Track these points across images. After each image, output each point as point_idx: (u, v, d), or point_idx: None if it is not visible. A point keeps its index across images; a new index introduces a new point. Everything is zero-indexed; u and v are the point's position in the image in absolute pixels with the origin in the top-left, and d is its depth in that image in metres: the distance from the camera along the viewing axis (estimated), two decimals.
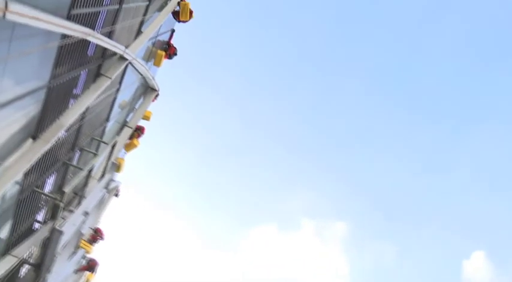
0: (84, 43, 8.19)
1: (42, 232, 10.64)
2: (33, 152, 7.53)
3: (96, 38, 8.17)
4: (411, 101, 79.01)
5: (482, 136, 74.45)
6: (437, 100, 78.23)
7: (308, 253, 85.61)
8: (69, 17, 6.75)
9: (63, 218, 11.05)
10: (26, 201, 9.10)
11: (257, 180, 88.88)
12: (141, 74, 15.98)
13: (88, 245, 18.24)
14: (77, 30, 6.95)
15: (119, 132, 17.26)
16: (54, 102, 7.95)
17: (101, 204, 18.06)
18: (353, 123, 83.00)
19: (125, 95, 15.07)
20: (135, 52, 11.93)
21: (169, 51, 17.46)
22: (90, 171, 12.77)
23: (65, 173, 11.58)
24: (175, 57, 18.07)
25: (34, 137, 7.70)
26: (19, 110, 6.65)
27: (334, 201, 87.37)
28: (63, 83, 7.98)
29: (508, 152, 76.21)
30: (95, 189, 14.16)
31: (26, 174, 8.25)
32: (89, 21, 7.86)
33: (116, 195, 22.77)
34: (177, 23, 16.74)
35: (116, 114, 15.12)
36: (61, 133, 8.45)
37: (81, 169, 11.86)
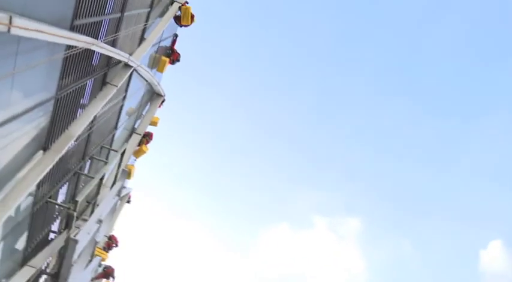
0: (89, 53, 8.26)
1: (57, 242, 10.75)
2: (44, 163, 7.62)
3: (100, 47, 8.24)
4: (417, 96, 78.39)
5: (493, 124, 73.69)
6: (444, 93, 77.52)
7: (322, 251, 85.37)
8: (72, 28, 6.81)
9: (77, 227, 11.14)
10: (40, 212, 9.20)
11: (266, 180, 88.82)
12: (147, 81, 16.07)
13: (103, 252, 18.39)
14: (81, 41, 7.02)
15: (127, 139, 17.39)
16: (63, 113, 8.04)
17: (114, 211, 18.18)
18: (359, 120, 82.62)
19: (131, 102, 15.18)
20: (139, 59, 12.00)
21: (173, 57, 17.54)
22: (101, 179, 12.87)
23: (76, 182, 11.69)
24: (178, 63, 18.15)
25: (45, 149, 7.79)
26: (29, 123, 6.73)
27: (345, 197, 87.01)
28: (70, 94, 8.06)
29: None
30: (107, 197, 14.26)
31: (39, 186, 8.35)
32: (92, 31, 7.93)
33: (128, 201, 22.94)
34: (179, 27, 16.81)
35: (124, 121, 15.23)
36: (71, 143, 8.53)
37: (92, 178, 11.96)
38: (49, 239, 10.90)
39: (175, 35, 17.66)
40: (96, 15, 7.81)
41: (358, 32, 76.84)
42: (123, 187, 18.15)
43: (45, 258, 10.08)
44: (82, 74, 8.42)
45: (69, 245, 10.19)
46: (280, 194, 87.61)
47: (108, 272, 18.58)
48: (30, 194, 8.09)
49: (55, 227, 11.14)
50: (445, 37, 71.64)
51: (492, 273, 68.79)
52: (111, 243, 20.31)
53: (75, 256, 10.59)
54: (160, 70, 17.21)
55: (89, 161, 12.27)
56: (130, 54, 11.16)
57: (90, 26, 7.72)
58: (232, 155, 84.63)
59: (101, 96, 9.91)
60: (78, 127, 8.71)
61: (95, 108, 9.51)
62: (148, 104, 19.07)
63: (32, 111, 6.61)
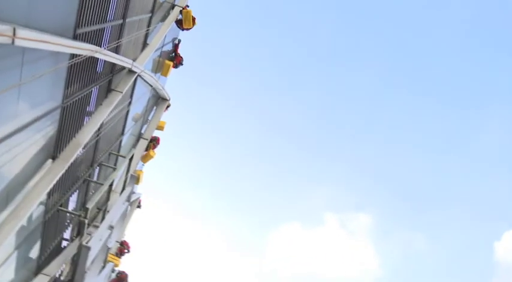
0: (93, 60, 8.32)
1: (70, 249, 10.84)
2: (54, 172, 7.68)
3: (104, 54, 8.30)
4: (424, 87, 77.84)
5: (505, 114, 72.91)
6: (453, 82, 76.86)
7: (334, 248, 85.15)
8: (75, 37, 6.87)
9: (89, 234, 11.23)
10: (52, 220, 9.29)
11: (275, 179, 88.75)
12: (151, 85, 16.15)
13: (116, 258, 18.52)
14: (84, 49, 7.08)
15: (135, 144, 17.49)
16: (69, 121, 8.10)
17: (125, 217, 18.28)
18: (366, 114, 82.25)
19: (137, 107, 15.26)
20: (143, 64, 12.06)
21: (176, 60, 17.62)
22: (110, 185, 12.95)
23: (86, 189, 11.78)
24: (181, 66, 18.23)
25: (53, 157, 7.86)
26: (37, 132, 6.80)
27: (355, 193, 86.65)
28: (76, 102, 8.12)
29: None
30: (117, 203, 14.34)
31: (49, 195, 8.43)
32: (95, 39, 7.98)
33: (139, 206, 23.07)
34: (181, 31, 16.87)
35: (131, 127, 15.31)
36: (79, 151, 8.60)
37: (101, 184, 12.04)
38: (62, 246, 10.99)
39: (179, 40, 17.73)
40: (98, 23, 7.86)
41: (363, 23, 76.46)
42: (132, 192, 18.23)
43: (58, 266, 10.17)
44: (87, 82, 8.48)
45: (81, 252, 10.26)
46: (289, 193, 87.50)
47: (121, 278, 18.69)
48: (41, 203, 8.16)
49: (67, 234, 11.24)
50: (451, 25, 71.10)
51: (507, 265, 68.10)
52: (123, 248, 20.45)
53: (88, 263, 10.68)
54: (165, 74, 17.29)
55: (98, 167, 12.35)
56: (134, 60, 11.22)
57: (93, 33, 7.77)
58: (239, 156, 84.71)
59: (106, 103, 9.98)
60: (86, 135, 8.78)
61: (101, 115, 9.58)
62: (154, 108, 19.16)
63: (39, 120, 6.68)
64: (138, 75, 11.93)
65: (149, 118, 18.89)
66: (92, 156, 11.25)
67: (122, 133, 14.12)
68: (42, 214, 8.54)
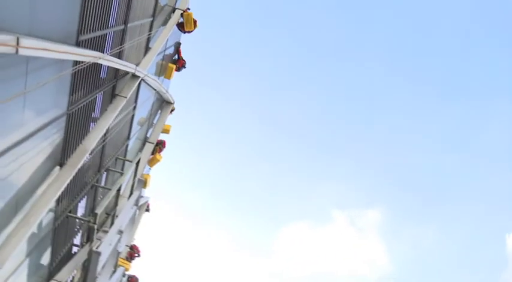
0: (96, 66, 8.37)
1: (81, 255, 10.91)
2: (62, 178, 7.74)
3: (107, 60, 8.34)
4: (430, 80, 77.35)
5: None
6: (459, 75, 76.32)
7: (344, 245, 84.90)
8: (78, 44, 6.91)
9: (99, 239, 11.29)
10: (62, 227, 9.35)
11: (281, 178, 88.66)
12: (155, 89, 16.21)
13: (126, 262, 18.61)
14: (88, 55, 7.12)
15: (141, 148, 17.55)
16: (75, 128, 8.15)
17: (134, 221, 18.36)
18: (372, 109, 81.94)
19: (142, 111, 15.32)
20: (146, 68, 12.11)
21: (178, 64, 17.68)
22: (118, 190, 13.02)
23: (94, 195, 11.85)
24: (184, 69, 18.29)
25: (61, 164, 7.91)
26: (43, 140, 6.85)
27: (363, 189, 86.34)
28: (81, 108, 8.17)
29: None
30: (125, 207, 14.41)
31: (58, 201, 8.49)
32: (97, 45, 8.03)
33: (147, 210, 23.17)
34: (182, 34, 16.92)
35: (136, 131, 15.38)
36: (86, 157, 8.65)
37: (109, 189, 12.10)
38: (72, 252, 11.06)
39: (179, 44, 17.79)
40: (100, 29, 7.90)
41: (360, 22, 76.20)
42: (140, 196, 18.31)
43: (70, 272, 10.24)
44: (91, 88, 8.53)
45: (92, 258, 10.32)
46: (296, 191, 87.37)
47: None
48: (50, 210, 8.22)
49: (77, 240, 11.30)
50: (454, 20, 70.65)
51: None
52: (133, 253, 20.55)
53: (99, 268, 10.73)
54: (168, 77, 17.35)
55: (105, 173, 12.42)
56: (137, 65, 11.27)
57: (95, 40, 7.82)
58: (244, 156, 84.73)
59: (111, 109, 10.04)
60: (92, 140, 8.83)
61: (107, 121, 9.63)
62: (159, 112, 19.23)
63: (45, 128, 6.73)
64: (142, 79, 11.98)
65: (154, 122, 18.95)
66: (99, 162, 11.31)
67: (128, 138, 14.19)
68: (51, 221, 8.60)
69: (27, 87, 5.60)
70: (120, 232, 12.96)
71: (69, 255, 10.78)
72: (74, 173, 8.05)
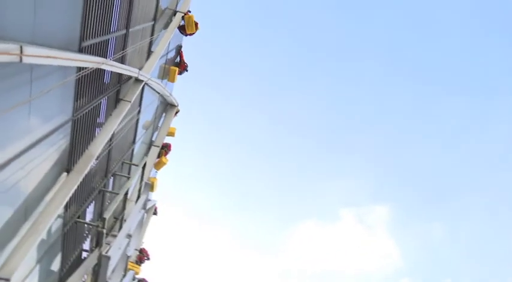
0: (100, 72, 8.41)
1: (90, 260, 10.96)
2: (69, 184, 7.78)
3: (110, 65, 8.38)
4: (434, 75, 76.91)
5: None
6: (462, 70, 75.79)
7: (353, 243, 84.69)
8: (81, 50, 6.95)
9: (108, 244, 11.34)
10: (71, 232, 9.40)
11: (287, 178, 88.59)
12: (159, 93, 16.25)
13: (136, 266, 18.67)
14: (91, 61, 7.15)
15: (146, 152, 17.60)
16: (81, 133, 8.20)
17: (142, 224, 18.42)
18: (376, 106, 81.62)
19: (146, 115, 15.36)
20: (149, 72, 12.15)
21: (180, 67, 17.72)
22: (126, 194, 13.07)
23: (102, 200, 11.90)
24: (186, 72, 18.33)
25: (68, 170, 7.95)
26: (50, 147, 6.89)
27: (370, 186, 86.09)
28: (86, 114, 8.21)
29: None
30: (133, 211, 14.46)
31: (66, 207, 8.54)
32: (100, 50, 8.06)
33: (155, 213, 23.23)
34: (184, 36, 16.95)
35: (141, 135, 15.43)
36: (92, 162, 8.69)
37: (117, 194, 12.14)
38: (82, 258, 11.11)
39: (180, 47, 17.83)
40: (102, 34, 7.94)
41: (364, 16, 75.93)
42: (148, 200, 18.37)
43: (80, 277, 10.29)
44: (95, 94, 8.57)
45: (102, 262, 10.37)
46: (303, 190, 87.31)
47: None
48: (59, 216, 8.27)
49: (86, 245, 11.36)
50: (459, 14, 70.21)
51: None
52: (142, 256, 20.63)
53: (109, 272, 10.78)
54: (172, 80, 17.39)
55: (112, 177, 12.46)
56: (140, 69, 11.31)
57: (98, 45, 7.85)
58: (250, 156, 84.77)
59: (116, 113, 10.07)
60: (98, 146, 8.87)
61: (112, 126, 9.67)
62: (163, 115, 19.27)
63: (51, 135, 6.77)
64: (145, 83, 12.01)
65: (159, 125, 19.00)
66: (106, 167, 11.35)
67: (134, 142, 14.23)
68: (60, 227, 8.65)
69: (32, 94, 5.63)
70: (129, 236, 13.00)
71: (79, 261, 10.83)
72: (81, 179, 8.09)
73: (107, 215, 10.70)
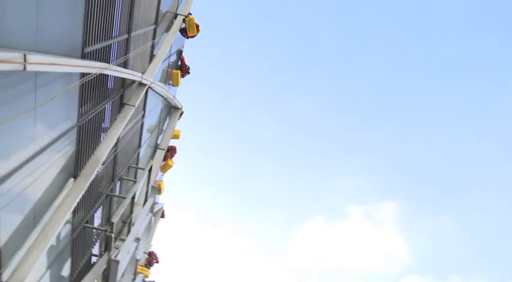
0: (103, 77, 8.45)
1: (100, 264, 11.01)
2: (76, 190, 7.83)
3: (113, 70, 8.42)
4: (436, 70, 76.54)
5: None
6: (465, 61, 75.34)
7: (362, 240, 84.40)
8: (84, 56, 6.99)
9: (116, 248, 11.39)
10: (79, 238, 9.45)
11: (294, 176, 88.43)
12: (162, 96, 16.30)
13: (145, 269, 18.73)
14: (94, 67, 7.19)
15: (152, 155, 17.66)
16: (86, 139, 8.24)
17: (150, 228, 18.48)
18: (381, 101, 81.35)
19: (151, 119, 15.42)
20: (152, 76, 12.19)
21: (182, 71, 17.75)
22: (133, 198, 13.13)
23: (109, 204, 11.96)
24: (188, 75, 18.37)
25: (75, 176, 8.00)
26: (56, 153, 6.93)
27: (377, 182, 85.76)
28: (91, 120, 8.26)
29: None
30: (141, 214, 14.51)
31: (75, 213, 8.59)
32: (103, 56, 8.11)
33: (163, 216, 23.30)
34: (186, 39, 16.98)
35: (146, 139, 15.48)
36: (99, 167, 8.73)
37: (124, 198, 12.20)
38: (91, 262, 11.17)
39: (181, 51, 17.87)
40: (105, 40, 7.98)
41: (367, 11, 75.69)
42: (155, 203, 18.43)
43: None
44: (100, 99, 8.61)
45: (111, 266, 10.42)
46: (311, 188, 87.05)
47: None
48: (67, 222, 8.32)
49: (95, 250, 11.41)
50: (453, 16, 69.91)
51: None
52: (151, 259, 20.69)
53: (119, 276, 10.83)
54: (175, 84, 17.43)
55: (119, 182, 12.52)
56: (143, 73, 11.35)
57: (100, 51, 7.89)
58: (256, 156, 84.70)
59: (120, 118, 10.12)
60: (104, 151, 8.92)
61: (117, 130, 9.71)
62: (168, 118, 19.33)
63: (57, 141, 6.81)
64: (149, 87, 12.05)
65: (164, 128, 19.06)
66: (112, 171, 11.40)
67: (139, 146, 14.29)
68: (69, 232, 8.70)
69: (37, 102, 5.68)
70: (137, 240, 13.05)
71: (89, 266, 10.89)
72: (88, 184, 8.13)
73: (115, 219, 10.76)
